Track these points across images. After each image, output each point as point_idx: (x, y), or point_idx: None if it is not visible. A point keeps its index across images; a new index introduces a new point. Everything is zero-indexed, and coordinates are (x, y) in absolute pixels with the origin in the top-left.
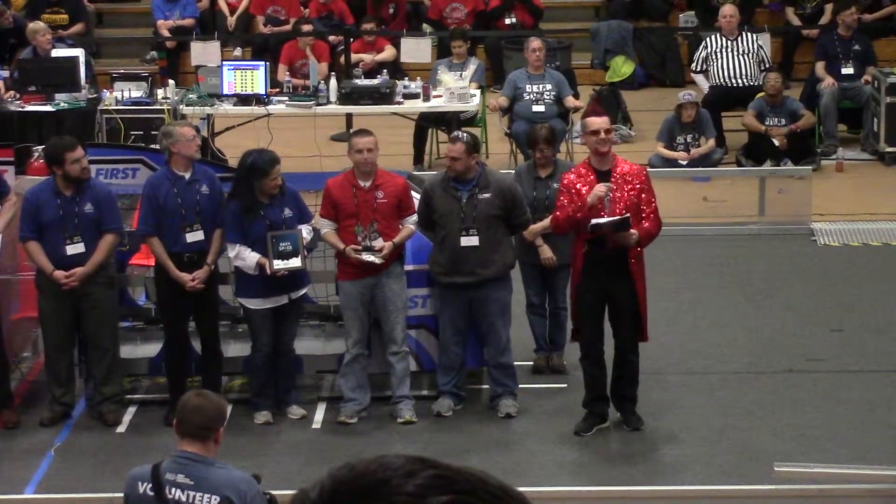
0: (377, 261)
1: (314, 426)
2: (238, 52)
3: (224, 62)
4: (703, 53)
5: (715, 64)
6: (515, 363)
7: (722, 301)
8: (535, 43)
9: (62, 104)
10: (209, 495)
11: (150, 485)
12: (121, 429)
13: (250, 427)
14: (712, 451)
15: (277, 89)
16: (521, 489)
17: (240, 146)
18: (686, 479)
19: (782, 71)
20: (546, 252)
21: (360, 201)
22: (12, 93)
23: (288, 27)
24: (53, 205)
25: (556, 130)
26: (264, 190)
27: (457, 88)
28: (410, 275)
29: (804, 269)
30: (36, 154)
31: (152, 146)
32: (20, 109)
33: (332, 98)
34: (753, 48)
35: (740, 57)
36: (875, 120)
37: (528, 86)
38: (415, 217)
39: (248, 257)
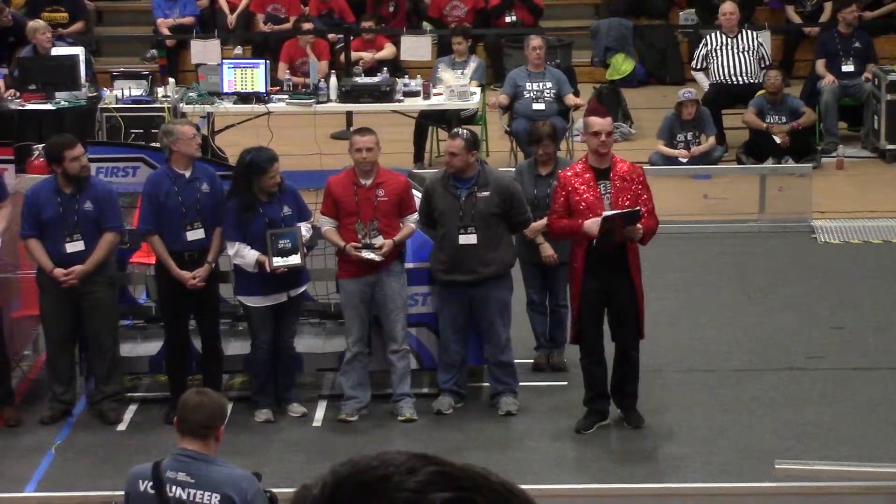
0: (377, 259)
1: (315, 424)
2: (238, 50)
3: (224, 60)
4: (704, 51)
5: (715, 62)
6: (516, 361)
7: (722, 299)
8: (535, 41)
9: (62, 103)
10: (210, 493)
11: (151, 483)
12: (121, 427)
13: (251, 425)
14: (713, 448)
15: (277, 87)
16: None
17: (240, 144)
18: (686, 476)
19: (783, 69)
20: (547, 250)
21: (360, 199)
22: (12, 91)
23: (288, 25)
24: (54, 203)
25: (557, 128)
26: (263, 188)
27: (457, 86)
28: (411, 273)
29: (805, 266)
30: (36, 152)
31: (153, 144)
32: (20, 108)
33: (333, 96)
34: (754, 46)
35: (740, 55)
36: (875, 117)
37: (528, 84)
38: (415, 215)
39: (247, 255)
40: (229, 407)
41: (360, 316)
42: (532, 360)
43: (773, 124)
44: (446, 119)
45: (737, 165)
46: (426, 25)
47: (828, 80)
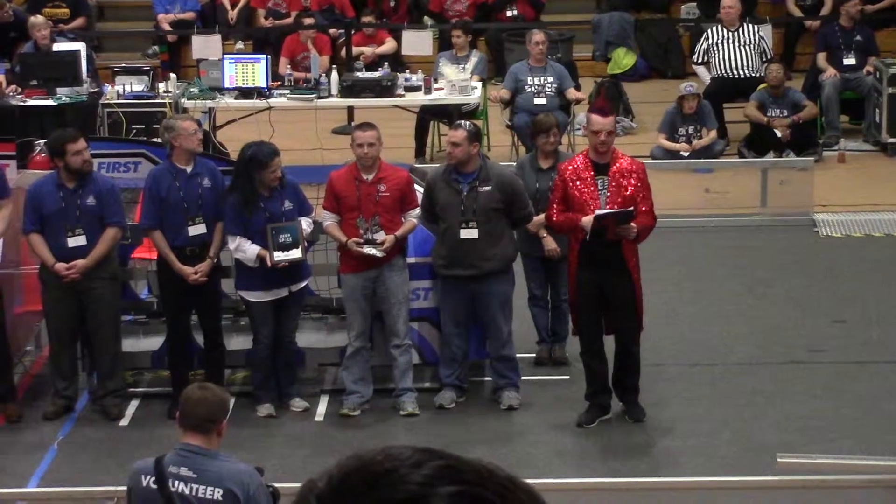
0: (378, 254)
1: (317, 419)
2: (239, 45)
3: (225, 55)
4: (705, 45)
5: (716, 55)
6: (518, 355)
7: (724, 292)
8: (538, 36)
9: (64, 98)
10: (212, 488)
11: (154, 478)
12: (124, 422)
13: (253, 420)
14: (714, 442)
15: (279, 82)
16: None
17: (241, 139)
18: (688, 470)
19: (784, 62)
20: (550, 243)
21: (362, 194)
22: (14, 87)
23: (289, 20)
24: (56, 197)
25: (559, 122)
26: (264, 182)
27: (458, 81)
28: (412, 267)
29: (806, 260)
30: (38, 148)
31: (154, 140)
32: (22, 104)
33: (334, 91)
34: (755, 39)
35: (742, 48)
36: (877, 110)
37: (529, 78)
38: (417, 211)
39: (248, 249)
40: (231, 402)
41: (361, 311)
42: (534, 355)
43: (774, 118)
44: (447, 114)
45: (738, 159)
46: (427, 20)
47: (829, 74)
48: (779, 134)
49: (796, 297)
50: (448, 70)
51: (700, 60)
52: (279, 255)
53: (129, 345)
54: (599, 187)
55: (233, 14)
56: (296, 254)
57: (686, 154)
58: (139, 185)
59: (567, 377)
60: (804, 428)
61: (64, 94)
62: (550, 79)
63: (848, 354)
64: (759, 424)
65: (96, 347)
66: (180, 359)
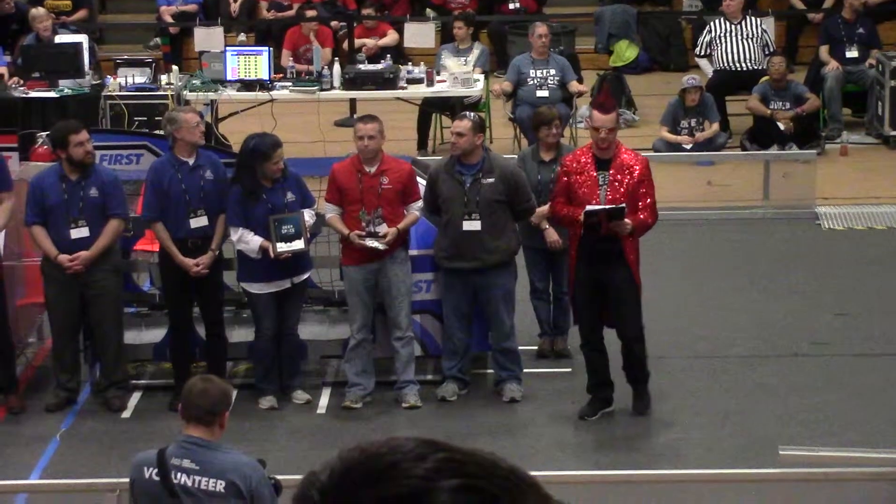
0: (381, 247)
1: (319, 411)
2: (242, 37)
3: (227, 48)
4: (707, 38)
5: (719, 48)
6: (520, 348)
7: (726, 285)
8: (541, 29)
9: (66, 90)
10: (214, 480)
11: (156, 470)
12: (126, 414)
13: (255, 412)
14: (717, 434)
15: (281, 75)
16: None
17: (243, 132)
18: (691, 462)
19: (786, 55)
20: (552, 235)
21: (365, 187)
22: (16, 79)
23: (291, 12)
24: (58, 189)
25: (561, 114)
26: (266, 174)
27: (460, 73)
28: (415, 260)
29: (809, 253)
30: (40, 140)
31: (156, 132)
32: (24, 96)
33: (336, 83)
34: (757, 32)
35: (744, 41)
36: (879, 103)
37: (531, 71)
38: (419, 203)
39: (250, 241)
40: (233, 394)
41: (364, 303)
42: (536, 347)
43: (776, 111)
44: (450, 106)
45: (741, 152)
46: (429, 12)
47: (831, 67)
48: (781, 127)
49: (798, 289)
50: (450, 62)
51: (703, 53)
52: (282, 246)
53: (132, 337)
54: (600, 182)
55: (235, 6)
56: (299, 245)
57: (688, 147)
58: (141, 177)
59: (569, 370)
60: (806, 420)
61: (66, 86)
62: (553, 71)
63: (850, 347)
64: (762, 417)
65: (99, 339)
66: (182, 351)
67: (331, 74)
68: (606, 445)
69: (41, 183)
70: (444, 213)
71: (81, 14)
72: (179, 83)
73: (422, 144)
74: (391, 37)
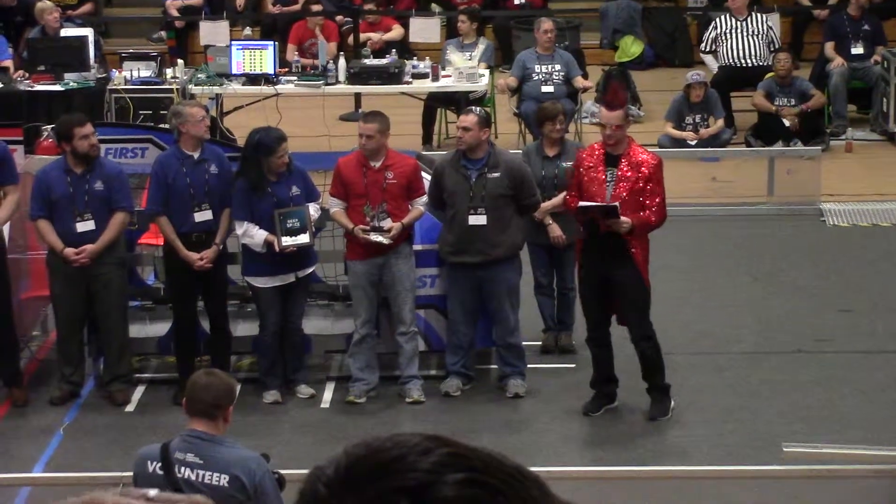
0: (385, 242)
1: (323, 405)
2: (247, 31)
3: (233, 42)
4: (713, 34)
5: (724, 44)
6: (524, 343)
7: (730, 281)
8: (546, 24)
9: (71, 84)
10: (218, 474)
11: (160, 464)
12: (130, 408)
13: (259, 406)
14: (720, 431)
15: (286, 69)
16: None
17: (248, 126)
18: (694, 459)
19: (792, 51)
20: (555, 230)
21: (369, 181)
22: (21, 72)
23: (297, 7)
24: (64, 182)
25: (566, 110)
26: (271, 167)
27: (465, 68)
28: (419, 254)
29: (813, 249)
30: (45, 133)
31: (161, 126)
32: (29, 89)
33: (341, 78)
34: (763, 29)
35: (750, 38)
36: (884, 100)
37: (537, 66)
38: (424, 198)
39: (255, 234)
40: (238, 388)
41: (368, 298)
42: (540, 343)
43: (782, 107)
44: (455, 101)
45: (745, 148)
46: (435, 7)
47: (837, 63)
48: (786, 123)
49: (803, 286)
50: (455, 57)
51: (708, 49)
52: (287, 240)
53: (136, 331)
54: (608, 178)
55: (240, 0)
56: (304, 239)
57: (693, 143)
58: (146, 170)
59: (573, 365)
60: (810, 417)
61: (71, 79)
62: (558, 67)
63: (854, 344)
64: (765, 414)
65: (104, 333)
66: (186, 345)
67: (336, 69)
68: (610, 441)
69: (46, 177)
70: (449, 208)
71: (87, 7)
72: (185, 77)
73: (427, 139)
74: (396, 31)
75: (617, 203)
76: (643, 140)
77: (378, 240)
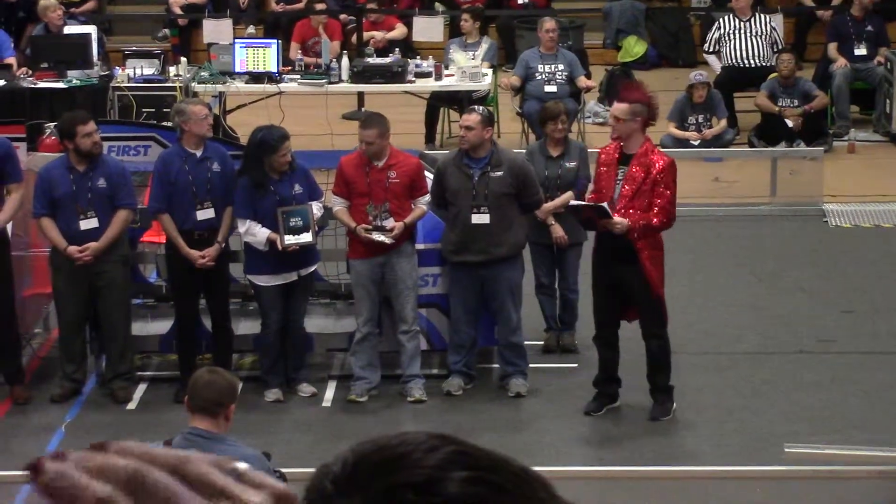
0: (387, 241)
1: (324, 404)
2: (250, 29)
3: (236, 40)
4: (716, 34)
5: (727, 45)
6: (526, 343)
7: (733, 282)
8: (549, 24)
9: (74, 81)
10: None
11: None
12: (131, 406)
13: (261, 405)
14: (722, 431)
15: (289, 67)
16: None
17: (251, 124)
18: (695, 459)
19: (795, 52)
20: (557, 231)
21: (372, 180)
22: (24, 70)
23: (300, 5)
24: (66, 180)
25: (569, 109)
26: (274, 166)
27: (469, 68)
28: (421, 253)
29: (815, 250)
30: (48, 131)
31: (164, 123)
32: (32, 86)
33: (344, 76)
34: (766, 29)
35: (753, 38)
36: (887, 101)
37: (540, 65)
38: (427, 197)
39: (258, 233)
40: (240, 386)
41: (370, 296)
42: (542, 342)
43: (784, 108)
44: (458, 100)
45: (748, 149)
46: (438, 6)
47: (840, 64)
48: (789, 124)
49: (805, 287)
50: (458, 57)
51: (711, 49)
52: (290, 239)
53: (138, 328)
54: (619, 176)
55: None
56: (306, 237)
57: (696, 143)
58: (149, 168)
59: (575, 365)
60: (812, 418)
61: (74, 76)
62: (561, 66)
63: (856, 344)
64: (767, 414)
65: (106, 330)
66: (188, 343)
67: (339, 67)
68: (611, 441)
69: (49, 174)
70: (451, 207)
71: (90, 5)
72: (188, 75)
73: (429, 138)
74: (400, 30)
75: (605, 203)
76: None
77: (380, 239)
